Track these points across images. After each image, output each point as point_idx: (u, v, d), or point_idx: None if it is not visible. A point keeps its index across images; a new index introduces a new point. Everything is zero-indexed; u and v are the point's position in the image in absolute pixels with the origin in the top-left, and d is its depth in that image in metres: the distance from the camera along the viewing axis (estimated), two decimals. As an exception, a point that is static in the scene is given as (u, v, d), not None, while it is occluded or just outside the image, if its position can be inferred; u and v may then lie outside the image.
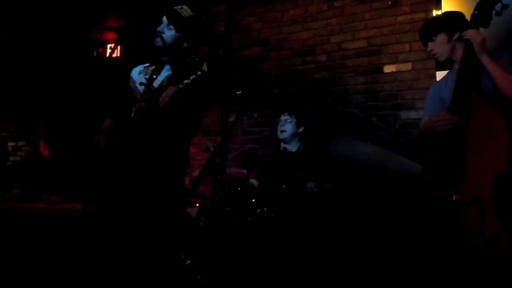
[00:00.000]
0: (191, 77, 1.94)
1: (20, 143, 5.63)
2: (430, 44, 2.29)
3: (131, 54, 4.46)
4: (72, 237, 2.52)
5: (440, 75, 3.26)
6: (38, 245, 2.70)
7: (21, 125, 5.58)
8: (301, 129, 3.50)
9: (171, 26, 2.24)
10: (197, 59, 1.93)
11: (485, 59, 2.05)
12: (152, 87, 2.11)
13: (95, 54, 4.88)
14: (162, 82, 2.03)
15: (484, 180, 1.89)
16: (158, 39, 2.24)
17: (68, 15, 5.23)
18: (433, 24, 2.32)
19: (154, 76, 2.27)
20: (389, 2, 3.86)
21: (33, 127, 4.58)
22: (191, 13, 2.26)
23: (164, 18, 2.27)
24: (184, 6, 2.27)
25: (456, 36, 2.22)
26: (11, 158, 4.88)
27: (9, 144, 5.32)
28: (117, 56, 4.83)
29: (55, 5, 5.17)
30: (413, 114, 3.67)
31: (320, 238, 2.95)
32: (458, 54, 2.19)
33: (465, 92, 2.04)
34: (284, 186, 3.10)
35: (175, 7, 2.26)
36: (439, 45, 2.26)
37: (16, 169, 3.88)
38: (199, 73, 1.97)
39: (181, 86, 1.94)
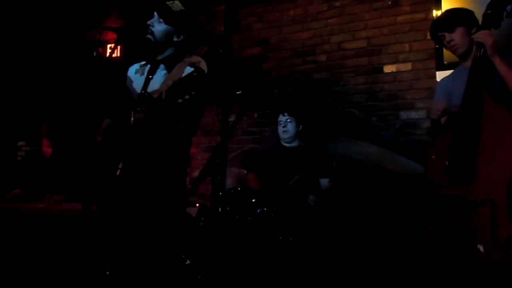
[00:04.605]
0: (191, 93, 1.94)
1: (20, 143, 5.62)
2: (449, 35, 2.27)
3: (131, 54, 4.46)
4: (74, 237, 2.52)
5: (440, 75, 3.27)
6: (39, 246, 2.70)
7: (21, 125, 5.58)
8: (301, 127, 3.52)
9: (161, 20, 2.26)
10: (195, 73, 1.94)
11: (498, 62, 2.04)
12: (147, 94, 2.12)
13: (95, 54, 4.88)
14: (161, 95, 2.04)
15: (497, 182, 1.88)
16: (149, 34, 2.26)
17: (68, 15, 5.23)
18: (453, 16, 2.31)
19: (150, 77, 2.28)
20: (389, 2, 3.86)
21: (33, 127, 4.58)
22: (182, 8, 2.28)
23: (156, 13, 2.28)
24: (176, 1, 2.29)
25: (473, 31, 2.22)
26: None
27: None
28: (117, 56, 4.83)
29: (55, 5, 5.17)
30: (413, 114, 3.67)
31: (320, 238, 2.95)
32: (472, 50, 2.18)
33: (477, 92, 2.03)
34: (285, 182, 3.11)
35: (167, 2, 2.28)
36: (459, 36, 2.25)
37: (17, 169, 3.88)
38: (194, 93, 1.97)
39: (180, 101, 1.95)
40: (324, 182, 3.34)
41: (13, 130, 5.61)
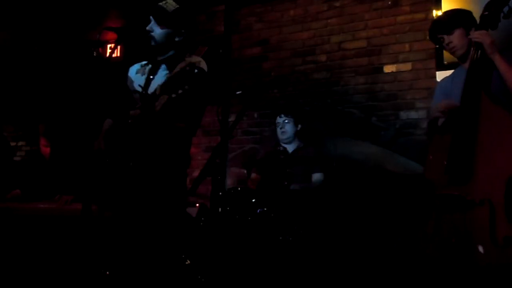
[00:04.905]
0: (184, 87, 1.94)
1: (20, 143, 5.62)
2: (448, 37, 2.28)
3: (131, 54, 4.46)
4: (74, 237, 2.53)
5: (440, 75, 3.27)
6: (40, 246, 2.69)
7: (21, 125, 5.58)
8: (299, 127, 3.53)
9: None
10: (188, 68, 1.93)
11: (497, 60, 2.05)
12: (144, 92, 2.12)
13: (95, 54, 4.88)
14: (155, 90, 2.04)
15: (495, 182, 1.88)
16: (150, 39, 2.24)
17: (68, 15, 5.24)
18: (452, 17, 2.31)
19: (151, 77, 2.27)
20: (389, 2, 3.86)
21: (33, 127, 4.58)
22: (177, 6, 2.24)
23: (152, 17, 2.27)
24: (169, 0, 2.26)
25: (471, 32, 2.22)
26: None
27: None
28: (117, 56, 4.83)
29: (55, 5, 5.17)
30: (413, 114, 3.67)
31: (320, 238, 2.95)
32: (471, 51, 2.19)
33: (475, 93, 2.04)
34: (286, 183, 3.11)
35: (160, 3, 2.25)
36: (458, 38, 2.26)
37: (17, 169, 3.88)
38: (187, 87, 1.96)
39: (173, 95, 1.94)
40: (316, 176, 3.35)
41: (13, 130, 5.61)
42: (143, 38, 2.26)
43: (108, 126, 2.36)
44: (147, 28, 2.25)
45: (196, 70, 1.96)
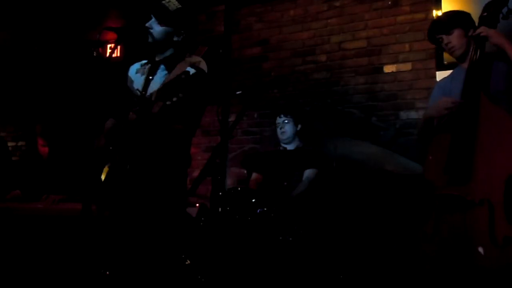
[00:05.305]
0: (178, 95, 1.93)
1: (20, 143, 5.62)
2: (447, 37, 2.29)
3: (131, 54, 4.46)
4: (72, 238, 2.52)
5: (440, 75, 3.27)
6: (39, 246, 2.70)
7: (21, 125, 5.58)
8: (299, 127, 3.53)
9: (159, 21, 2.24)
10: (183, 76, 1.93)
11: (508, 48, 2.04)
12: (142, 94, 2.12)
13: (95, 54, 4.88)
14: (151, 96, 2.04)
15: (494, 182, 1.89)
16: (149, 36, 2.24)
17: (68, 15, 5.24)
18: (451, 18, 2.33)
19: (150, 77, 2.27)
20: (389, 2, 3.86)
21: (33, 127, 4.58)
22: (179, 6, 2.25)
23: (153, 15, 2.26)
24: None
25: (470, 33, 2.23)
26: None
27: (9, 144, 5.31)
28: (117, 56, 4.83)
29: (55, 5, 5.17)
30: (413, 114, 3.67)
31: (320, 238, 2.95)
32: (470, 51, 2.20)
33: (474, 93, 2.04)
34: (285, 183, 3.11)
35: (162, 1, 2.24)
36: (457, 38, 2.27)
37: (16, 169, 3.88)
38: (181, 95, 1.95)
39: (168, 103, 1.94)
40: (308, 172, 3.35)
41: (13, 130, 5.61)
42: (142, 36, 2.25)
43: (111, 125, 2.36)
44: (147, 24, 2.25)
45: (191, 74, 1.95)
